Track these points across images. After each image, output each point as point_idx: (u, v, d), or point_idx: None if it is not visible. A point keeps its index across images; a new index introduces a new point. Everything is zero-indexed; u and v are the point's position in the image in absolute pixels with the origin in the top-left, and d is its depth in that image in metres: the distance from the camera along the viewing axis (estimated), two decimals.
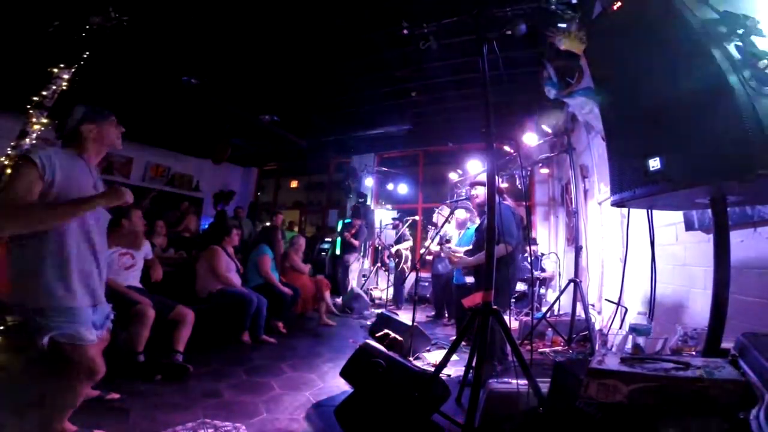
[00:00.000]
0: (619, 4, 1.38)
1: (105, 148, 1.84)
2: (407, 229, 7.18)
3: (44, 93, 4.40)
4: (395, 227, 7.51)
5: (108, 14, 4.00)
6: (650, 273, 2.39)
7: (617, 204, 1.45)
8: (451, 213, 4.42)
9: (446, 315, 5.62)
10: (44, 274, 1.56)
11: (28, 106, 4.37)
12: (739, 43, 1.07)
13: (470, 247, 3.45)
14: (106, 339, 1.93)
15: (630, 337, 1.93)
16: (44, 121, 4.42)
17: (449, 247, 3.65)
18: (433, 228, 5.89)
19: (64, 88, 4.48)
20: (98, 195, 1.64)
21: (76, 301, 1.62)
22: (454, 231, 4.82)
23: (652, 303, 2.40)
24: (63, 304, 1.58)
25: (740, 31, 1.07)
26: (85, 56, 4.44)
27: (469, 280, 3.43)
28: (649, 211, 2.35)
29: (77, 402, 1.75)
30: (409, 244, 7.12)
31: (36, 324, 1.55)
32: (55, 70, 4.40)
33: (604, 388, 1.04)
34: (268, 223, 7.33)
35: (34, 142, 4.45)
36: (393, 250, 6.92)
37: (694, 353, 1.68)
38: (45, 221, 1.53)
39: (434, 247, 5.13)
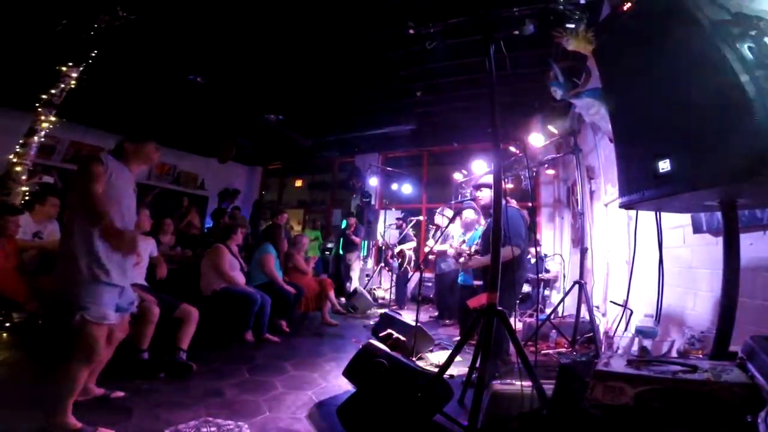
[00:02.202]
0: (629, 4, 1.37)
1: (142, 162, 2.26)
2: (410, 230, 7.17)
3: (53, 91, 4.43)
4: (398, 227, 7.51)
5: (116, 13, 4.02)
6: (658, 276, 2.37)
7: (625, 206, 1.44)
8: (457, 214, 4.40)
9: (448, 315, 5.60)
10: (92, 255, 1.87)
11: (37, 104, 4.40)
12: (752, 45, 1.05)
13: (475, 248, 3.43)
14: (124, 330, 2.22)
15: (636, 339, 1.92)
16: (52, 118, 4.46)
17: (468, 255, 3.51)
18: (434, 228, 5.88)
19: (72, 86, 4.52)
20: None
21: (105, 282, 1.90)
22: (457, 231, 4.81)
23: (659, 306, 2.38)
24: (93, 285, 1.87)
25: (753, 33, 1.05)
26: (93, 55, 4.47)
27: (477, 282, 3.41)
28: (658, 213, 2.33)
29: (77, 389, 1.85)
30: (413, 244, 7.11)
31: (76, 302, 1.81)
32: (64, 68, 4.44)
33: (610, 390, 1.03)
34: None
35: (43, 139, 4.49)
36: (396, 250, 6.92)
37: (701, 356, 1.66)
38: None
39: (438, 248, 5.13)
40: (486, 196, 3.27)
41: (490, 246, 2.91)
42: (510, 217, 3.01)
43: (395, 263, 6.98)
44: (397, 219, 7.83)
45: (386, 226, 8.18)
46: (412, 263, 6.79)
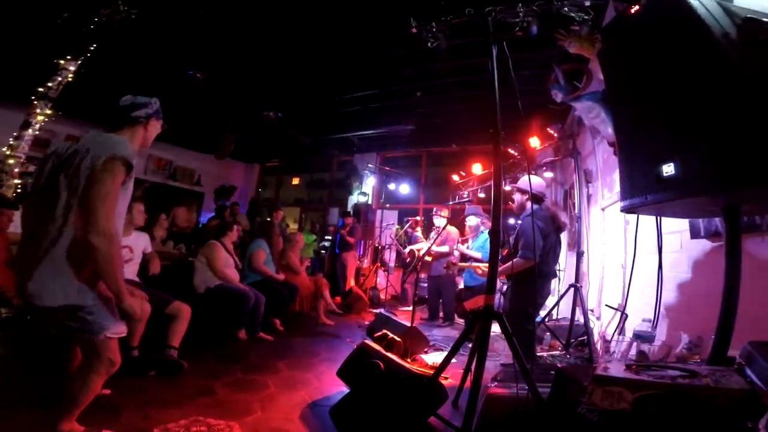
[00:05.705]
0: (637, 7, 1.36)
1: (143, 144, 1.99)
2: (419, 229, 7.15)
3: (50, 84, 4.39)
4: (406, 233, 7.50)
5: (117, 7, 3.99)
6: (657, 280, 2.36)
7: (627, 210, 1.42)
8: (449, 220, 4.40)
9: (441, 317, 5.58)
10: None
11: (33, 97, 4.36)
12: (761, 50, 1.04)
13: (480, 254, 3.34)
14: None
15: (634, 343, 1.91)
16: (48, 111, 4.42)
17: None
18: (435, 228, 5.87)
19: (70, 79, 4.48)
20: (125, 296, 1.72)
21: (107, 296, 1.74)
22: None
23: (656, 310, 2.37)
24: (102, 303, 1.70)
25: (762, 38, 1.04)
26: (92, 48, 4.43)
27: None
28: (658, 218, 2.32)
29: (90, 398, 1.79)
30: (422, 244, 7.12)
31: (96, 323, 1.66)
32: (62, 61, 4.40)
33: (609, 395, 1.02)
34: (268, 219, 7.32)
35: (38, 132, 4.44)
36: (406, 251, 6.92)
37: (699, 361, 1.65)
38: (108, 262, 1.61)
39: (435, 249, 5.12)
40: (517, 199, 3.13)
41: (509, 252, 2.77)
42: (522, 228, 2.82)
43: (392, 265, 7.00)
44: (407, 220, 7.88)
45: (383, 226, 8.16)
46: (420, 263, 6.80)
